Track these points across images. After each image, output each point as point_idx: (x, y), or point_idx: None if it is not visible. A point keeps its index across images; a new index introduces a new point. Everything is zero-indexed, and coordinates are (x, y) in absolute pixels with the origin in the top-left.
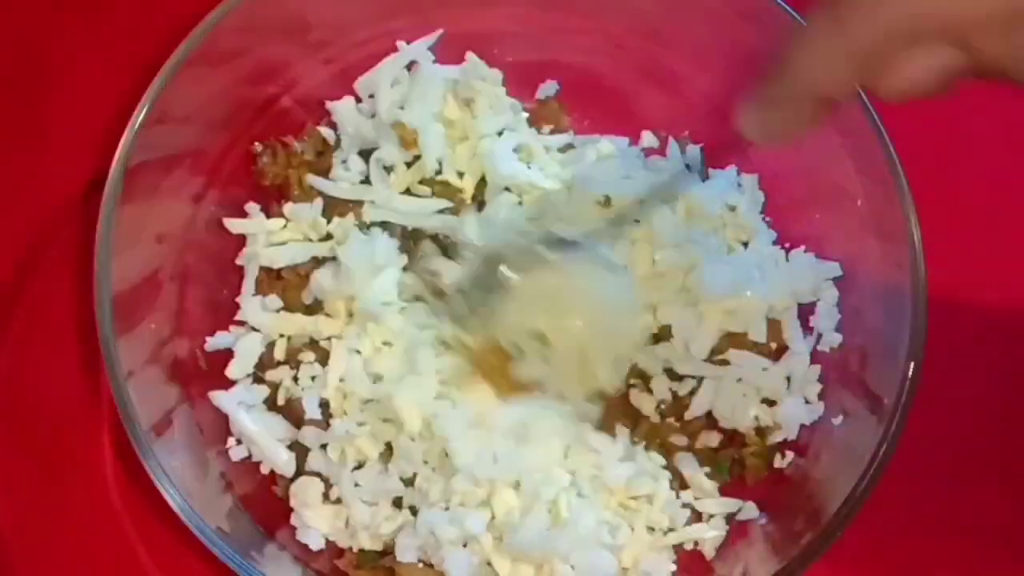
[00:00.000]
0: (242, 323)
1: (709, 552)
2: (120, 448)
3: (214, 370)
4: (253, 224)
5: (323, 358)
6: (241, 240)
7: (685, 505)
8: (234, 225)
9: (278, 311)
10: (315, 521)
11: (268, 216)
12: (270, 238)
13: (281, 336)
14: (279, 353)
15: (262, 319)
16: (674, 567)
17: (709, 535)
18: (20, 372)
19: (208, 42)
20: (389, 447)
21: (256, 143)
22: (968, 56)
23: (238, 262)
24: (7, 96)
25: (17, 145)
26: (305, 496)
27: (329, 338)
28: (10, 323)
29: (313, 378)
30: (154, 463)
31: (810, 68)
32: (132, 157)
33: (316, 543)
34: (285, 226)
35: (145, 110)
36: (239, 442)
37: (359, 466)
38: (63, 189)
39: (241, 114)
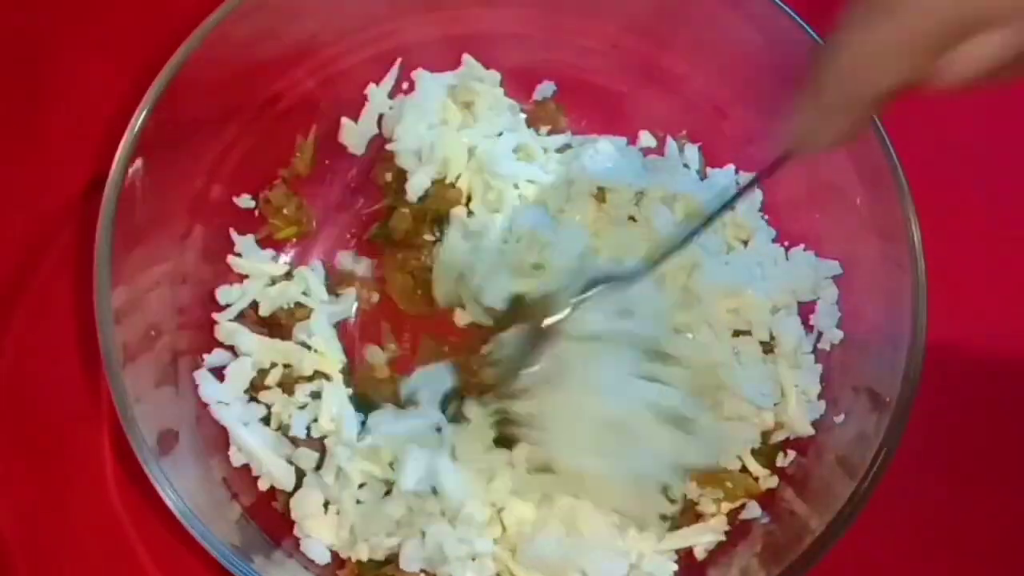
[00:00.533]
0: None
1: (709, 553)
2: (120, 448)
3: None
4: (255, 267)
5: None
6: None
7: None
8: (237, 264)
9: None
10: (317, 531)
11: (262, 247)
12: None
13: (275, 365)
14: (272, 380)
15: (251, 344)
16: (675, 567)
17: (711, 537)
18: (20, 372)
19: (208, 42)
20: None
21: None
22: None
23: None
24: (7, 96)
25: (17, 145)
26: (305, 509)
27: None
28: (10, 323)
29: (303, 407)
30: (155, 468)
31: (864, 67)
32: (132, 157)
33: (320, 556)
34: (288, 273)
35: (145, 110)
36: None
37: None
38: (63, 189)
39: (241, 114)
